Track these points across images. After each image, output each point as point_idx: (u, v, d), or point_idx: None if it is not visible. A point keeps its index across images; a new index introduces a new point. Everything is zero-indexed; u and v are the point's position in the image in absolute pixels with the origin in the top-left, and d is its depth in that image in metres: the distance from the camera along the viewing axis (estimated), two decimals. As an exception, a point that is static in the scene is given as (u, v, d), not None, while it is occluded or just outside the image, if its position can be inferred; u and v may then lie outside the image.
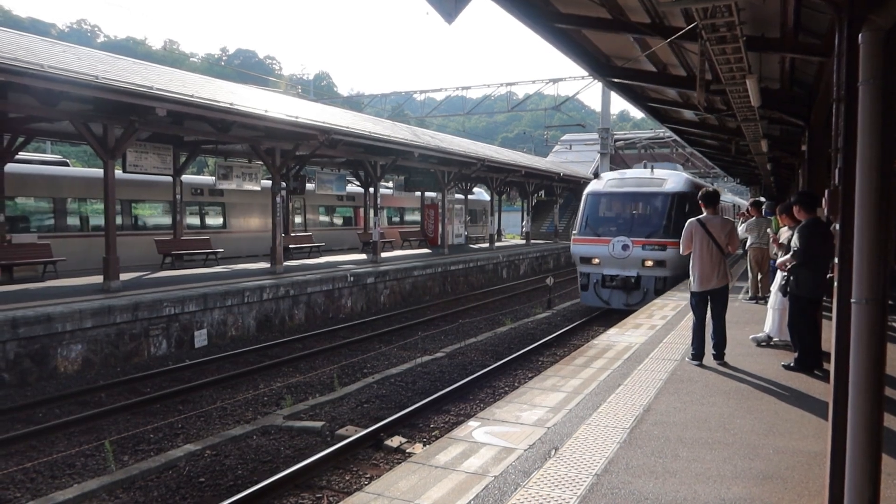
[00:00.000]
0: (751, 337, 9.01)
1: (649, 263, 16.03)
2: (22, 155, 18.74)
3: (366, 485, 4.40)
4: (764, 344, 8.75)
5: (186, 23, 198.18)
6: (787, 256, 7.52)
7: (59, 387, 11.14)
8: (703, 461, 4.75)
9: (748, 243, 12.74)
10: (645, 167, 19.45)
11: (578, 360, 7.98)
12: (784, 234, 8.68)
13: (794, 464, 4.71)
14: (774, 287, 8.50)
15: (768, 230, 12.15)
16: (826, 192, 3.57)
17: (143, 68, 17.87)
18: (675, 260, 15.32)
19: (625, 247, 16.28)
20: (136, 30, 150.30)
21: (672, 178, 17.51)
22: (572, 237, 17.83)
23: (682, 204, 16.32)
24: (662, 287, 15.87)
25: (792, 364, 7.50)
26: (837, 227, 3.37)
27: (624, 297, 16.51)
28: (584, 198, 18.10)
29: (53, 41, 19.15)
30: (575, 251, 17.47)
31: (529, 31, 8.52)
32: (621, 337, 9.44)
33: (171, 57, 78.86)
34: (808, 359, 7.44)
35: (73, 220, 20.53)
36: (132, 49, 69.40)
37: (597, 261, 16.78)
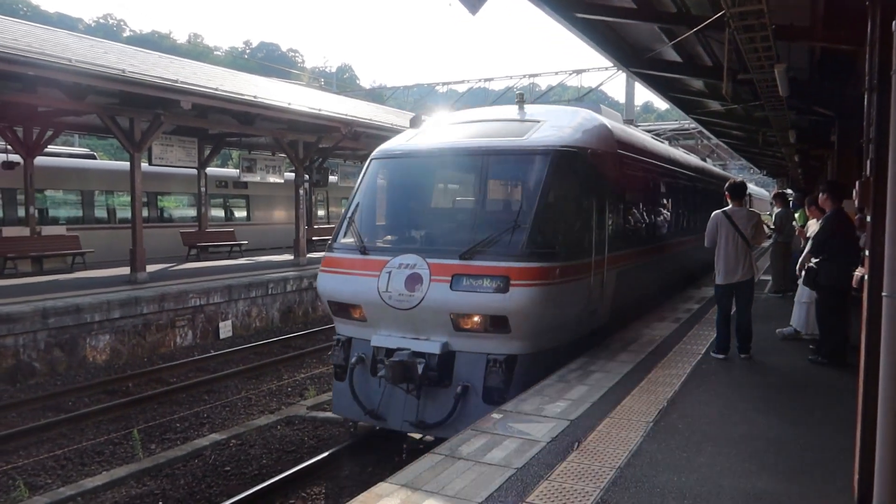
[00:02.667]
0: (777, 331, 8.89)
1: (473, 321, 6.92)
2: (50, 148, 19.05)
3: (388, 475, 4.41)
4: (790, 338, 8.63)
5: (211, 16, 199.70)
6: (808, 248, 7.44)
7: (88, 376, 11.36)
8: (727, 455, 4.70)
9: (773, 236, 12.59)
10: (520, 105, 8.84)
11: (602, 353, 7.94)
12: (812, 226, 8.53)
13: (821, 458, 4.64)
14: (801, 280, 8.37)
15: (794, 223, 11.97)
16: (857, 183, 3.51)
17: (168, 62, 18.07)
18: (547, 314, 6.95)
19: (412, 279, 7.06)
20: (161, 24, 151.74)
21: (554, 121, 8.12)
22: (324, 256, 8.10)
23: (575, 177, 7.67)
24: (505, 383, 6.84)
25: (819, 358, 7.39)
26: (869, 219, 3.30)
27: (413, 407, 7.10)
28: (364, 169, 8.65)
29: (81, 35, 19.45)
30: (322, 288, 7.94)
31: (553, 22, 8.46)
32: (645, 330, 9.36)
33: (196, 50, 79.52)
34: (835, 351, 7.34)
35: (100, 213, 20.85)
36: (157, 43, 70.09)
37: (359, 312, 7.52)
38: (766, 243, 20.48)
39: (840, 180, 9.89)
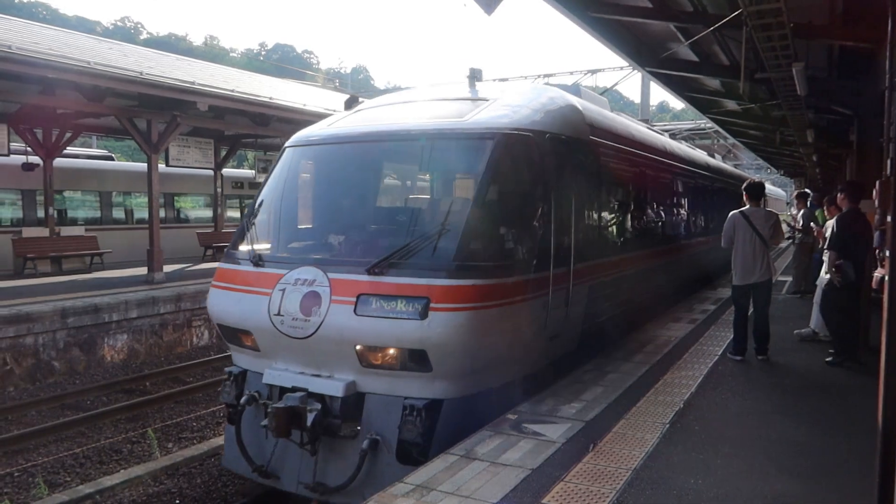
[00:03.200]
0: (795, 332, 8.80)
1: (385, 356, 5.47)
2: (69, 150, 19.28)
3: (405, 476, 4.42)
4: (809, 339, 8.54)
5: (226, 19, 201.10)
6: (825, 246, 7.42)
7: (106, 375, 11.47)
8: (745, 457, 4.66)
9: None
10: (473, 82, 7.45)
11: (617, 353, 7.90)
12: (830, 226, 8.45)
13: (840, 461, 4.59)
14: (820, 281, 8.29)
15: (812, 224, 11.85)
16: (877, 183, 3.47)
17: (185, 64, 18.24)
18: (482, 345, 5.48)
19: (309, 299, 5.63)
20: (177, 26, 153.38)
21: (508, 100, 6.76)
22: (217, 267, 6.83)
23: (529, 168, 6.35)
24: (425, 437, 5.29)
25: (832, 359, 7.36)
26: (889, 218, 3.26)
27: (309, 464, 5.68)
28: (276, 159, 7.39)
29: (99, 38, 19.65)
30: (211, 307, 6.61)
31: (568, 22, 8.44)
32: (661, 331, 9.30)
33: (212, 52, 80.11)
34: (844, 349, 7.33)
35: (118, 213, 21.06)
36: (174, 45, 70.67)
37: (251, 339, 6.14)
38: (784, 244, 20.31)
39: (860, 180, 9.79)
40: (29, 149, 17.14)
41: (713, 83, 13.43)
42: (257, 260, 6.15)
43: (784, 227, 9.73)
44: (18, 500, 7.03)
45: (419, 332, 5.17)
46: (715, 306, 11.39)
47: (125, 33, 78.54)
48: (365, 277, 5.47)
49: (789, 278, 13.93)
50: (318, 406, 5.44)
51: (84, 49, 13.95)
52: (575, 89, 8.57)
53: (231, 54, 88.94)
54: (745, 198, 7.76)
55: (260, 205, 6.93)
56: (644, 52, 11.00)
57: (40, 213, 17.98)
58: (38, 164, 17.03)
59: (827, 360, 7.44)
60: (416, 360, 5.31)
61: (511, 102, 6.64)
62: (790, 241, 18.51)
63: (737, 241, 7.49)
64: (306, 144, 7.03)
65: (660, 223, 11.06)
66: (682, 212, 12.80)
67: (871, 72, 8.91)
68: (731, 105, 15.39)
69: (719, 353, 7.84)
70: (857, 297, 7.35)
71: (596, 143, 7.52)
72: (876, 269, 7.07)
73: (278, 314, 5.65)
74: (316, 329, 5.47)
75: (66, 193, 19.66)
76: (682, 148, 14.20)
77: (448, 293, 5.26)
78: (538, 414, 5.62)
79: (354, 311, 5.36)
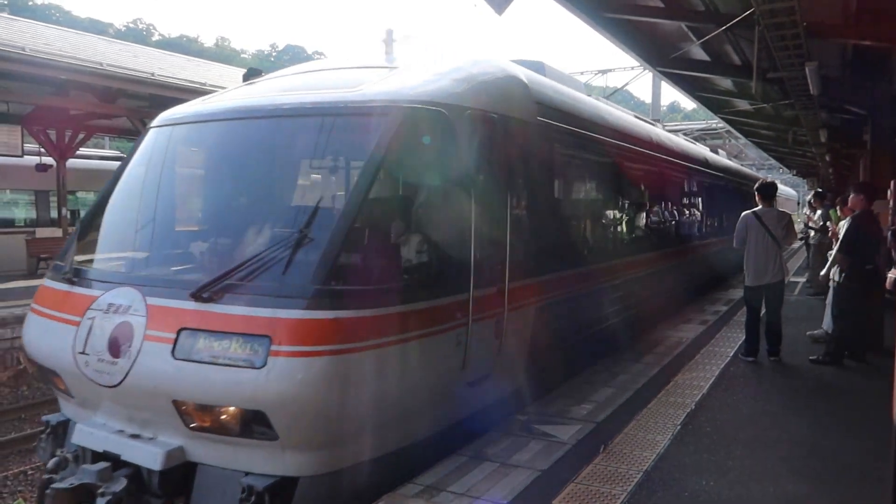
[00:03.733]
0: (808, 333, 8.73)
1: (215, 417, 3.98)
2: (82, 150, 19.41)
3: (413, 476, 4.42)
4: (822, 340, 8.47)
5: (238, 20, 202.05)
6: (837, 248, 7.40)
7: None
8: (757, 459, 4.63)
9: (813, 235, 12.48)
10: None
11: (627, 354, 7.86)
12: (843, 226, 8.41)
13: (854, 463, 4.55)
14: (832, 282, 8.24)
15: (827, 223, 11.78)
16: (893, 182, 3.43)
17: (196, 65, 18.36)
18: (353, 401, 4.01)
19: (120, 333, 4.13)
20: (189, 28, 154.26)
21: (422, 68, 5.36)
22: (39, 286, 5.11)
23: (439, 155, 4.87)
24: None
25: (818, 358, 7.41)
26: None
27: None
28: (136, 145, 5.83)
29: (111, 40, 19.81)
30: (25, 338, 4.97)
31: (578, 22, 8.42)
32: (672, 332, 9.26)
33: (223, 54, 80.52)
34: (845, 349, 7.38)
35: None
36: (186, 46, 71.07)
37: (62, 383, 4.61)
38: (797, 244, 20.14)
39: (873, 180, 9.71)
40: (42, 150, 17.27)
41: (725, 83, 13.35)
42: (71, 276, 4.65)
43: (798, 227, 9.66)
44: None
45: (254, 385, 3.72)
46: (727, 307, 11.32)
47: (137, 35, 79.08)
48: (191, 305, 4.01)
49: (801, 279, 13.84)
50: (121, 486, 3.97)
51: (97, 51, 14.06)
52: (538, 66, 7.24)
53: (242, 55, 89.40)
54: (757, 198, 7.71)
55: (102, 201, 5.35)
56: (655, 52, 10.95)
57: (53, 214, 18.13)
58: (51, 165, 17.17)
59: (812, 357, 7.44)
60: (255, 423, 3.83)
61: (426, 70, 5.24)
62: (802, 241, 18.39)
63: (749, 241, 7.44)
64: (168, 125, 5.44)
65: (641, 227, 9.79)
66: (671, 215, 11.42)
67: (885, 71, 8.83)
68: (742, 105, 15.31)
69: (731, 354, 7.79)
70: (868, 298, 7.31)
71: (547, 126, 6.17)
72: (890, 269, 7.03)
73: (83, 352, 4.20)
74: (124, 376, 4.00)
75: (80, 194, 19.81)
76: (674, 140, 12.34)
77: (298, 330, 3.81)
78: (548, 415, 5.60)
79: (173, 352, 3.92)
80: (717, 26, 8.05)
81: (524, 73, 6.15)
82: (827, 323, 8.54)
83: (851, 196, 7.60)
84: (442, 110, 4.78)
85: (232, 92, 5.84)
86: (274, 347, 3.76)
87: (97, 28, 64.43)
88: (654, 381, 6.66)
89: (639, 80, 26.00)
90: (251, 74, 6.22)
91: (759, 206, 7.60)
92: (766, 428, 5.30)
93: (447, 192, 4.94)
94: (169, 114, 5.59)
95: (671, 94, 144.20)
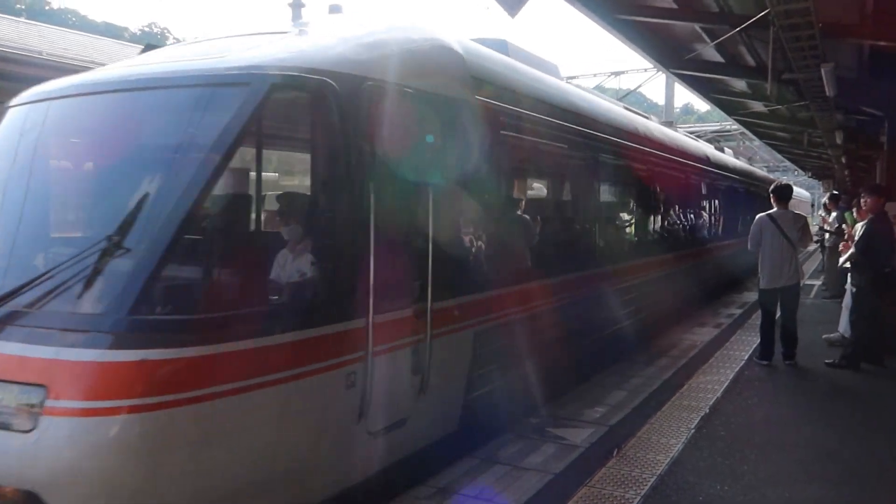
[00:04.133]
0: (824, 336, 8.65)
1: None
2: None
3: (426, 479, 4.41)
4: (837, 344, 8.38)
5: (248, 23, 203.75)
6: (851, 251, 7.33)
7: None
8: (772, 463, 4.58)
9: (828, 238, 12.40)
10: None
11: (640, 357, 7.82)
12: (859, 228, 8.34)
13: (870, 467, 4.50)
14: (849, 285, 8.16)
15: (843, 225, 11.67)
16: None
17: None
18: (168, 473, 2.96)
19: None
20: (202, 31, 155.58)
21: (323, 31, 4.52)
22: None
23: (325, 139, 3.94)
24: None
25: (834, 361, 7.34)
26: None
27: None
28: None
29: (125, 43, 19.99)
30: None
31: (589, 24, 8.39)
32: (685, 335, 9.19)
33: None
34: (863, 353, 7.29)
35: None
36: (200, 50, 71.38)
37: None
38: (812, 247, 19.93)
39: (889, 182, 9.62)
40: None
41: (739, 84, 13.26)
42: None
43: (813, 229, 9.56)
44: None
45: (19, 456, 2.82)
46: (741, 310, 11.24)
47: (152, 38, 79.67)
48: None
49: (817, 282, 13.72)
50: None
51: (112, 54, 14.18)
52: (500, 45, 6.40)
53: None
54: (772, 200, 7.66)
55: None
56: (668, 54, 10.90)
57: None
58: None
59: (827, 361, 7.37)
60: None
61: (323, 34, 4.38)
62: (818, 243, 18.23)
63: (764, 244, 7.39)
64: (29, 102, 4.28)
65: (617, 234, 8.53)
66: (663, 220, 9.95)
67: (903, 72, 8.74)
68: (757, 106, 15.20)
69: (746, 357, 7.73)
70: (885, 301, 7.26)
71: (488, 106, 5.11)
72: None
73: None
74: None
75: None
76: (669, 134, 10.80)
77: (85, 377, 2.89)
78: (560, 418, 5.57)
79: None
80: (732, 27, 8.00)
81: (461, 44, 5.11)
82: (843, 326, 8.46)
83: (867, 199, 7.54)
84: (328, 80, 3.72)
85: (110, 67, 4.82)
86: (50, 402, 2.78)
87: (113, 32, 64.93)
88: (668, 384, 6.62)
89: (652, 81, 25.71)
90: (148, 48, 5.03)
91: (775, 209, 7.55)
92: (782, 432, 5.26)
93: (335, 186, 3.83)
94: (38, 89, 4.36)
95: (685, 96, 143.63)
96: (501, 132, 5.37)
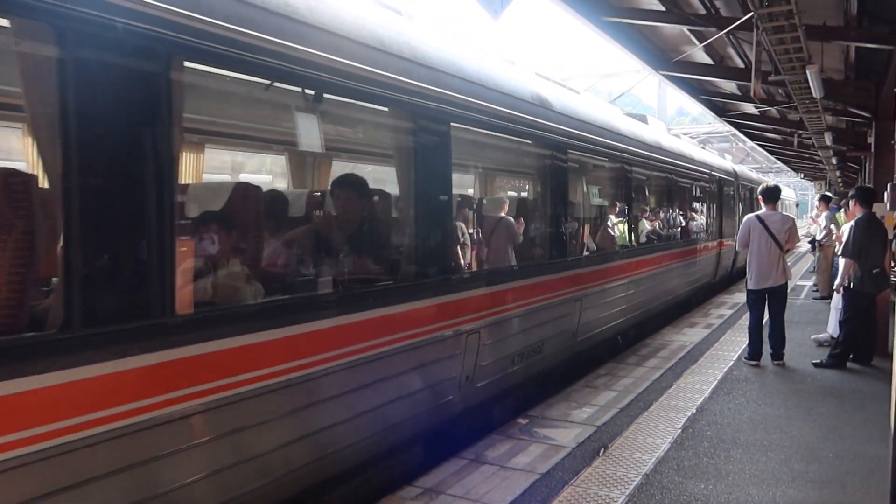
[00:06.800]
0: (812, 337, 8.70)
1: None
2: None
3: (412, 480, 4.43)
4: (826, 344, 8.43)
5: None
6: (839, 251, 7.41)
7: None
8: (757, 463, 4.62)
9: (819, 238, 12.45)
10: None
11: (630, 358, 7.85)
12: (847, 230, 8.39)
13: (854, 468, 4.53)
14: (836, 284, 8.22)
15: (832, 226, 11.75)
16: (888, 185, 3.43)
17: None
18: None
19: None
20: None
21: None
22: None
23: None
24: None
25: (821, 361, 7.40)
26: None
27: None
28: None
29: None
30: None
31: (581, 25, 8.42)
32: (676, 335, 9.23)
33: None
34: (851, 352, 7.40)
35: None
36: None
37: None
38: (804, 248, 20.02)
39: (877, 183, 9.69)
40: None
41: (729, 86, 13.33)
42: None
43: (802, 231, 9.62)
44: None
45: None
46: (731, 311, 11.28)
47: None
48: None
49: (807, 283, 13.79)
50: None
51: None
52: None
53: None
54: (760, 201, 7.72)
55: None
56: (658, 56, 10.95)
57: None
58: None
59: (814, 361, 7.44)
60: None
61: None
62: (810, 244, 18.33)
63: (752, 244, 7.44)
64: None
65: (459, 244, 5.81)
66: (570, 220, 7.16)
67: (887, 73, 8.81)
68: (747, 108, 15.27)
69: (734, 358, 7.77)
70: (874, 301, 7.32)
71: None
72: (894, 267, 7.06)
73: None
74: None
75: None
76: (600, 114, 8.44)
77: None
78: (549, 418, 5.60)
79: None
80: (719, 29, 8.05)
81: None
82: (832, 327, 8.52)
83: (852, 202, 7.61)
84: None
85: None
86: None
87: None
88: (657, 384, 6.65)
89: (644, 83, 25.71)
90: None
91: (763, 209, 7.60)
92: (768, 432, 5.29)
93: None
94: None
95: (677, 99, 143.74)
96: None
